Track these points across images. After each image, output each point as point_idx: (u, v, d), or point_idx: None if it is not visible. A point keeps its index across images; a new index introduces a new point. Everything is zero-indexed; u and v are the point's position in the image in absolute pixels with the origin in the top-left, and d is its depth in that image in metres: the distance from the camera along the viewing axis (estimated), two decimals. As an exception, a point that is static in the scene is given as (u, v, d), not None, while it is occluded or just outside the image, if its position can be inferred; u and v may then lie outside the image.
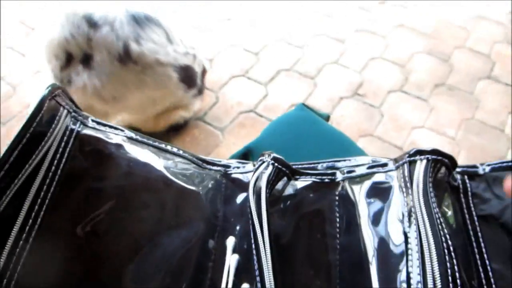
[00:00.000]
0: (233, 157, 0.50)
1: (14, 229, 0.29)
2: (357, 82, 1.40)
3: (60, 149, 0.33)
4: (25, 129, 0.31)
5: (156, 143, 0.37)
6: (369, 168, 0.34)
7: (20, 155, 0.30)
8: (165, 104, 1.15)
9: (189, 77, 1.12)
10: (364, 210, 0.33)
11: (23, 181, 0.31)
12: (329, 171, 0.36)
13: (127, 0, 1.04)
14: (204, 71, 1.22)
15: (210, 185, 0.37)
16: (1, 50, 1.55)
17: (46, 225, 0.30)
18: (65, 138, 0.33)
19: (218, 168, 0.39)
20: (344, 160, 0.36)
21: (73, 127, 0.34)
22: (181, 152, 0.37)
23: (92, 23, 0.96)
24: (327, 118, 0.59)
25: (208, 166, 0.38)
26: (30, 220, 0.30)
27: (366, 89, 1.38)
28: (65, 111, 0.34)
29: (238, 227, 0.35)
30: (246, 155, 0.48)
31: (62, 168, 0.33)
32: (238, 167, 0.39)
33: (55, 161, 0.33)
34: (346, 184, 0.35)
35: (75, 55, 1.00)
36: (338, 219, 0.34)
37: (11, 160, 0.30)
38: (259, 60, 1.48)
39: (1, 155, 0.30)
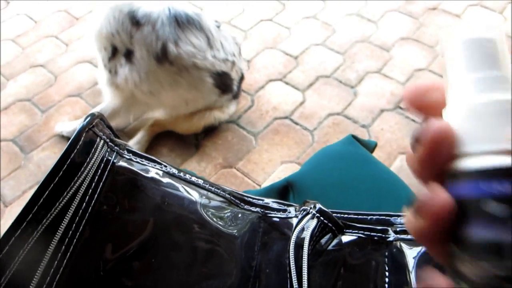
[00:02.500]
0: (272, 187, 0.47)
1: (38, 270, 0.28)
2: (400, 95, 1.33)
3: (94, 182, 0.31)
4: (63, 160, 0.30)
5: (193, 179, 0.35)
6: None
7: (55, 189, 0.29)
8: (197, 106, 1.15)
9: (224, 84, 1.10)
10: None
11: (52, 219, 0.29)
12: (380, 227, 0.33)
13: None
14: (242, 78, 1.20)
15: (246, 228, 0.35)
16: (45, 39, 1.59)
17: (72, 267, 0.29)
18: (99, 170, 0.31)
19: (257, 209, 0.36)
20: (399, 216, 0.33)
21: (109, 158, 0.32)
22: (219, 191, 0.35)
23: (134, 21, 0.97)
24: (374, 146, 0.55)
25: (246, 207, 0.36)
26: (55, 262, 0.28)
27: (409, 103, 1.30)
28: (102, 141, 0.32)
29: (272, 279, 0.33)
30: (286, 188, 0.45)
31: (94, 203, 0.31)
32: (278, 210, 0.36)
33: (87, 196, 0.31)
34: (398, 245, 0.32)
35: (120, 49, 1.02)
36: (387, 286, 0.30)
37: (45, 195, 0.29)
38: (298, 65, 1.43)
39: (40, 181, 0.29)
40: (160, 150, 1.22)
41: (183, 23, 0.99)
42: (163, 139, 1.24)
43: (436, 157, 0.16)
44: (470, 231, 0.15)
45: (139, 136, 1.23)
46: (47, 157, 1.23)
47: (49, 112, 1.35)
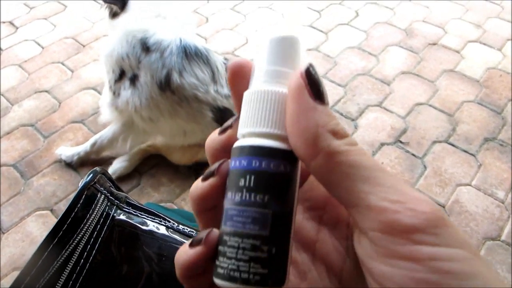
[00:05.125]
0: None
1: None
2: (401, 128, 1.34)
3: (93, 237, 0.31)
4: (67, 214, 0.30)
5: (194, 233, 0.35)
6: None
7: (57, 244, 0.30)
8: (195, 138, 1.16)
9: (224, 119, 1.11)
10: None
11: (54, 270, 0.29)
12: None
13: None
14: None
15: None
16: (51, 65, 1.62)
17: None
18: (99, 225, 0.32)
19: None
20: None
21: (109, 212, 0.33)
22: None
23: (145, 47, 1.00)
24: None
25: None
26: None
27: (409, 137, 1.31)
28: (102, 196, 0.32)
29: None
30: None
31: (94, 255, 0.31)
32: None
33: (87, 248, 0.31)
34: None
35: (127, 73, 1.04)
36: None
37: (48, 250, 0.29)
38: (300, 96, 1.45)
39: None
40: (160, 179, 1.22)
41: (191, 54, 1.01)
42: (163, 169, 1.25)
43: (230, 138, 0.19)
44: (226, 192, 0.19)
45: (130, 154, 1.23)
46: (47, 183, 1.23)
47: (51, 138, 1.36)
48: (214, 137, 0.20)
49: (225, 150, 0.20)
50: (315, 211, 0.22)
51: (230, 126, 0.20)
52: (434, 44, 1.66)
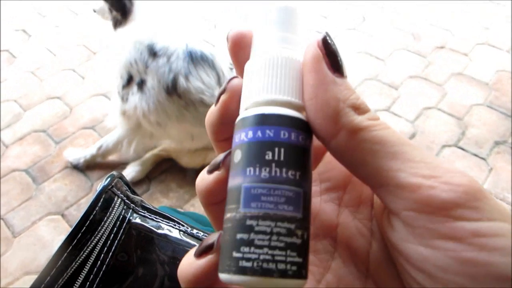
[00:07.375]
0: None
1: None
2: (409, 133, 1.33)
3: (110, 240, 0.32)
4: (86, 217, 0.31)
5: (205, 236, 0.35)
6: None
7: (77, 244, 0.30)
8: (203, 141, 1.17)
9: None
10: None
11: (72, 273, 0.30)
12: None
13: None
14: None
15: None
16: (63, 72, 1.64)
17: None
18: (115, 228, 0.32)
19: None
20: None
21: (125, 215, 0.33)
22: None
23: (152, 53, 1.02)
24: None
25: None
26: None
27: (418, 141, 1.31)
28: (119, 199, 0.33)
29: None
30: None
31: (110, 258, 0.32)
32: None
33: (103, 254, 0.32)
34: None
35: (134, 78, 1.06)
36: None
37: (69, 249, 0.30)
38: (308, 101, 1.46)
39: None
40: (169, 185, 1.23)
41: (197, 59, 1.03)
42: (172, 174, 1.26)
43: (231, 111, 0.18)
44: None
45: (143, 158, 1.25)
46: (58, 189, 1.25)
47: (62, 144, 1.38)
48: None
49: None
50: (334, 192, 0.20)
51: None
52: (442, 47, 1.66)
